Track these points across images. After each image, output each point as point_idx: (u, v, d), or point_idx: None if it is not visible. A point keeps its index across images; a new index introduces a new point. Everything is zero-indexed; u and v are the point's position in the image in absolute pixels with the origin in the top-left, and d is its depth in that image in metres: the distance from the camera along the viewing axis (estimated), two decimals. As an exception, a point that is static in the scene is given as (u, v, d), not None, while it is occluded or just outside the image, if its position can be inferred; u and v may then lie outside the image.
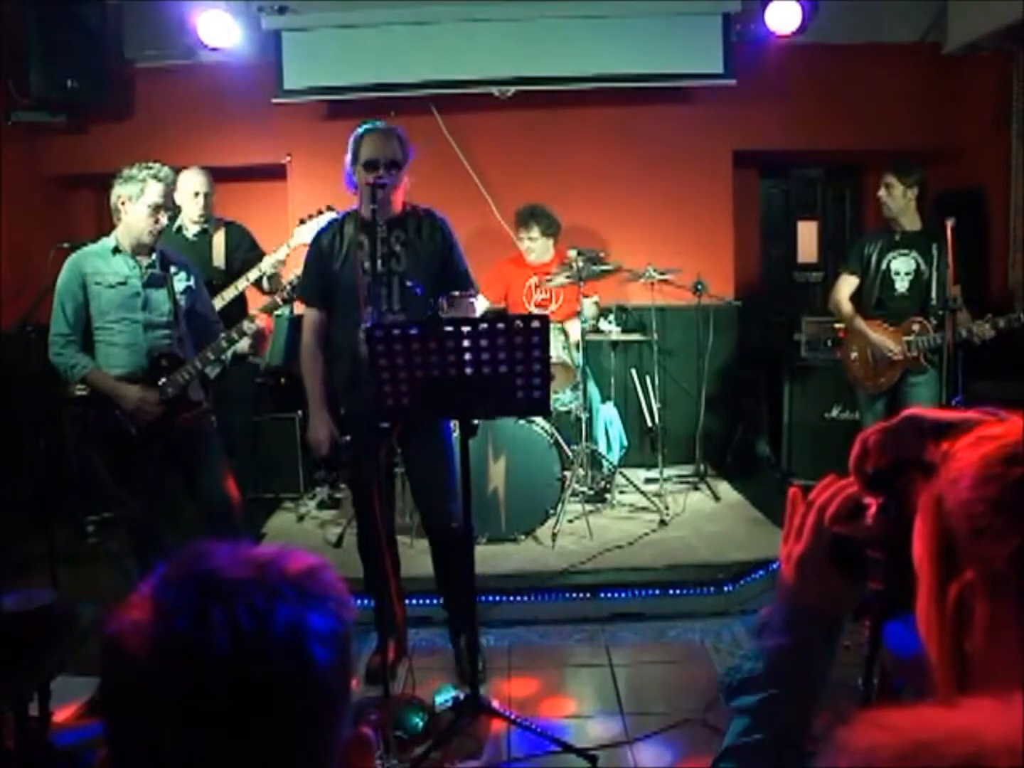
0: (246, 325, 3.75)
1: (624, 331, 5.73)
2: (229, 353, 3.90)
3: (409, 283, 3.44)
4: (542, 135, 6.17)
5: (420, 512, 3.81)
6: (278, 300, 3.86)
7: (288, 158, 6.16)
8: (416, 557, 4.30)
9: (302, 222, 4.74)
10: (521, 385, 2.94)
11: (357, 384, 3.36)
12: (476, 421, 3.11)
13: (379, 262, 3.50)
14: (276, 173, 6.21)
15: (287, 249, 4.77)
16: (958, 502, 0.83)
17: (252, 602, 0.79)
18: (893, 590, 0.96)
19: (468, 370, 2.88)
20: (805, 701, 1.07)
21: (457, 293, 3.49)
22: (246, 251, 4.97)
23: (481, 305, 5.19)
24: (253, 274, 4.76)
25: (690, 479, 5.84)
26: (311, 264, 3.64)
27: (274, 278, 4.87)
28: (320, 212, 4.71)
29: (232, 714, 0.76)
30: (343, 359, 3.52)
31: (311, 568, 0.86)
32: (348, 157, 3.51)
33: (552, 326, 4.89)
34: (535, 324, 2.85)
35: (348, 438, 3.59)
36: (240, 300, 4.85)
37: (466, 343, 2.86)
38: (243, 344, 3.86)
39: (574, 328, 5.32)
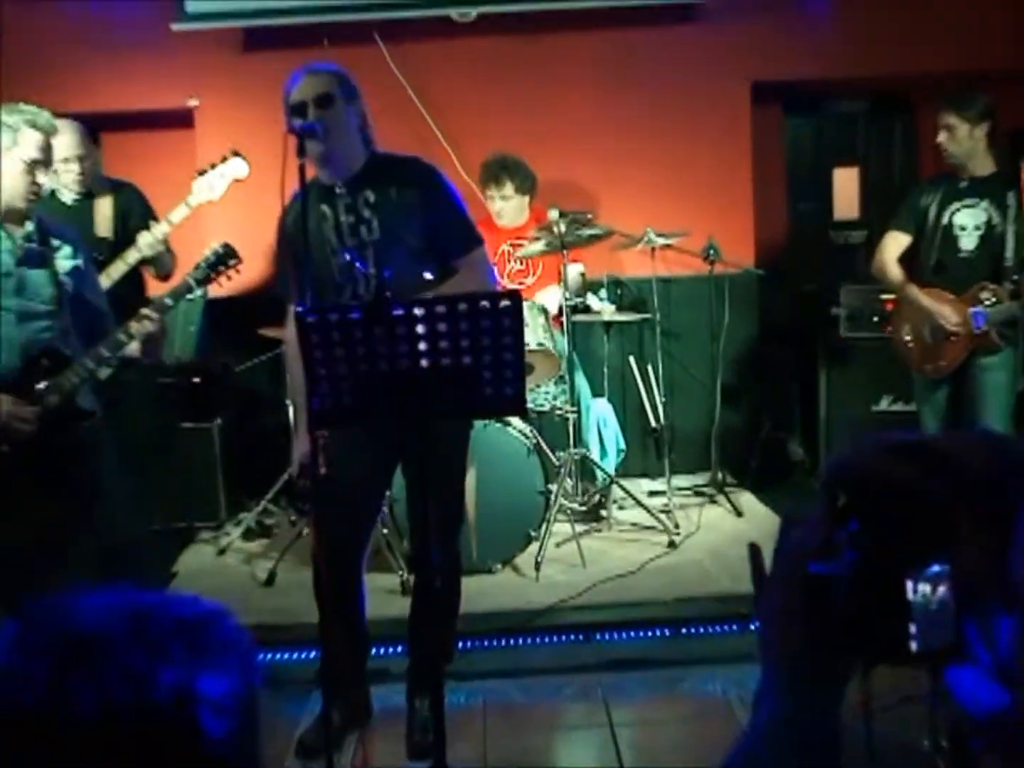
0: (133, 327, 3.70)
1: (619, 309, 5.75)
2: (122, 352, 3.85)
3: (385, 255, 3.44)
4: (513, 68, 6.16)
5: (410, 543, 3.85)
6: (190, 282, 3.82)
7: (195, 101, 6.12)
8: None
9: (201, 173, 4.70)
10: (490, 379, 2.93)
11: None
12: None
13: (347, 235, 3.52)
14: (181, 120, 6.18)
15: (185, 211, 4.70)
16: None
17: (127, 665, 0.78)
18: (875, 628, 1.01)
19: (424, 362, 2.87)
20: None
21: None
22: (139, 220, 4.92)
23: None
24: (131, 254, 4.65)
25: (705, 490, 5.88)
26: (279, 251, 3.70)
27: (159, 260, 4.78)
28: (224, 159, 4.69)
29: None
30: None
31: (205, 617, 0.85)
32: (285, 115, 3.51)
33: (529, 304, 4.93)
34: (505, 303, 2.84)
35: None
36: (134, 279, 4.80)
37: (420, 329, 2.85)
38: (132, 346, 3.81)
39: (551, 298, 5.32)
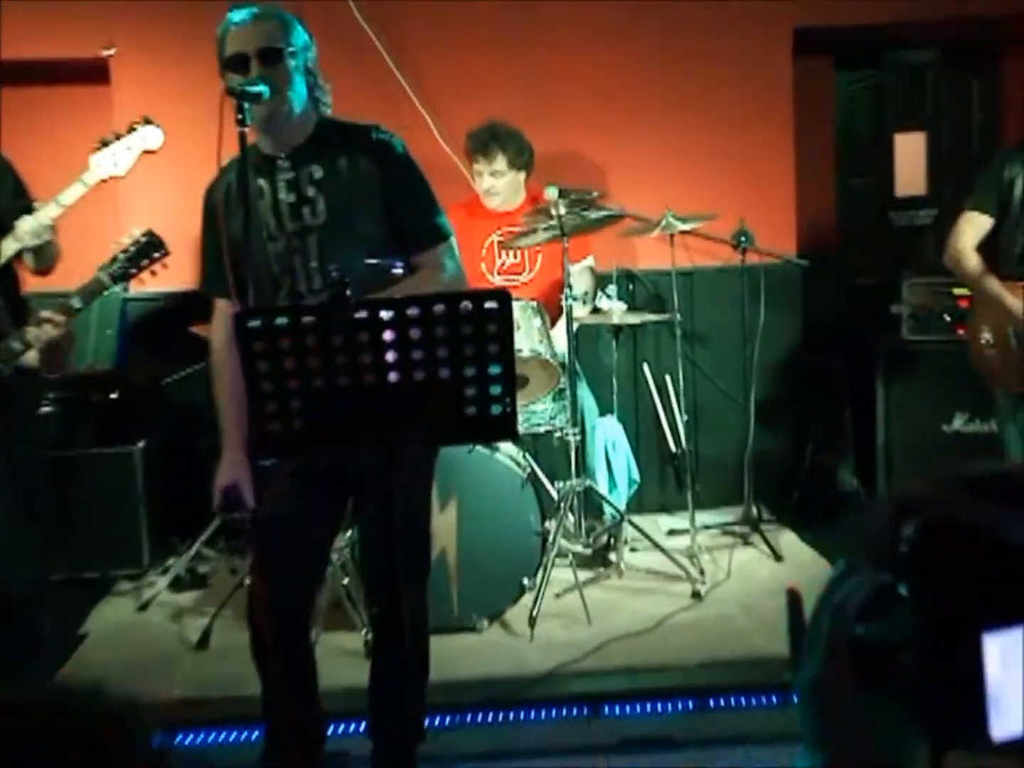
0: (31, 333, 3.69)
1: (631, 308, 5.77)
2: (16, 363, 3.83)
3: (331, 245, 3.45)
4: (505, 20, 6.19)
5: (367, 596, 3.83)
6: (103, 279, 3.82)
7: (111, 50, 6.13)
8: (323, 660, 4.29)
9: (103, 145, 4.66)
10: (473, 396, 2.95)
11: None
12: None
13: (286, 217, 3.51)
14: (93, 73, 6.19)
15: (80, 190, 4.62)
16: None
17: None
18: (934, 708, 0.98)
19: (392, 376, 2.89)
20: None
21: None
22: (8, 198, 4.83)
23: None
24: (8, 245, 4.49)
25: (737, 529, 5.91)
26: (205, 236, 3.67)
27: (43, 250, 4.72)
28: (132, 128, 4.66)
29: None
30: None
31: (105, 721, 0.83)
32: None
33: (522, 304, 4.95)
34: (491, 304, 2.86)
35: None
36: (6, 273, 4.72)
37: (388, 335, 2.87)
38: (29, 355, 3.80)
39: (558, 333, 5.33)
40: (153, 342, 6.15)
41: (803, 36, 6.37)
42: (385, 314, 2.87)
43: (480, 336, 2.88)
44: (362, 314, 2.88)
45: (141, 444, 5.79)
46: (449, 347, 2.89)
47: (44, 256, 4.73)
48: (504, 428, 3.03)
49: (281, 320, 2.90)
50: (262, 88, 3.28)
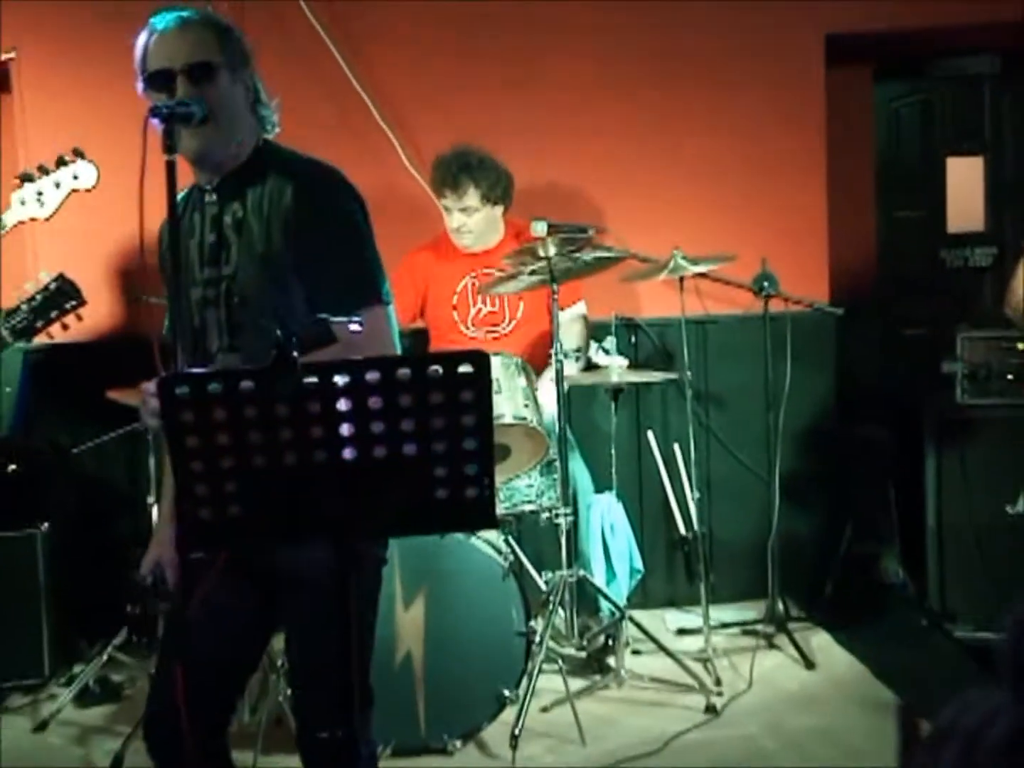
0: None
1: (634, 365, 5.79)
2: None
3: (236, 299, 3.45)
4: (484, 23, 6.25)
5: (295, 715, 3.81)
6: (3, 334, 3.84)
7: (11, 53, 6.16)
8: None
9: (24, 180, 4.68)
10: (444, 476, 2.95)
11: None
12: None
13: (206, 260, 3.50)
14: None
15: None
16: None
17: None
18: None
19: (347, 453, 2.90)
20: None
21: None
22: None
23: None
24: None
25: (759, 628, 5.89)
26: (162, 278, 3.68)
27: None
28: (62, 162, 4.69)
29: None
30: None
31: None
32: (138, 83, 3.51)
33: (504, 361, 5.00)
34: (465, 368, 2.87)
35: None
36: None
37: (343, 404, 2.88)
38: None
39: (545, 390, 5.35)
40: (61, 404, 6.14)
41: (837, 43, 6.42)
42: (340, 379, 2.88)
43: (452, 406, 2.89)
44: (312, 379, 2.89)
45: (45, 526, 5.73)
46: (416, 419, 2.89)
47: None
48: (481, 515, 3.00)
49: (214, 386, 2.91)
50: (194, 109, 3.26)
